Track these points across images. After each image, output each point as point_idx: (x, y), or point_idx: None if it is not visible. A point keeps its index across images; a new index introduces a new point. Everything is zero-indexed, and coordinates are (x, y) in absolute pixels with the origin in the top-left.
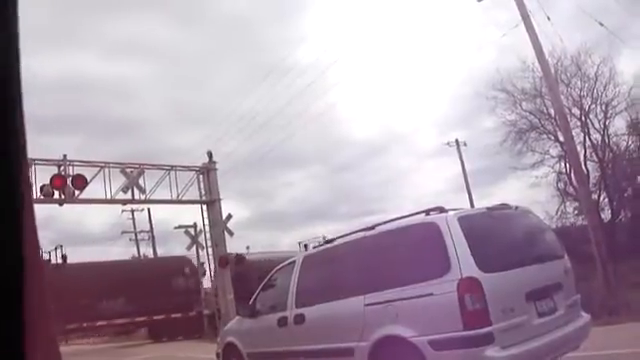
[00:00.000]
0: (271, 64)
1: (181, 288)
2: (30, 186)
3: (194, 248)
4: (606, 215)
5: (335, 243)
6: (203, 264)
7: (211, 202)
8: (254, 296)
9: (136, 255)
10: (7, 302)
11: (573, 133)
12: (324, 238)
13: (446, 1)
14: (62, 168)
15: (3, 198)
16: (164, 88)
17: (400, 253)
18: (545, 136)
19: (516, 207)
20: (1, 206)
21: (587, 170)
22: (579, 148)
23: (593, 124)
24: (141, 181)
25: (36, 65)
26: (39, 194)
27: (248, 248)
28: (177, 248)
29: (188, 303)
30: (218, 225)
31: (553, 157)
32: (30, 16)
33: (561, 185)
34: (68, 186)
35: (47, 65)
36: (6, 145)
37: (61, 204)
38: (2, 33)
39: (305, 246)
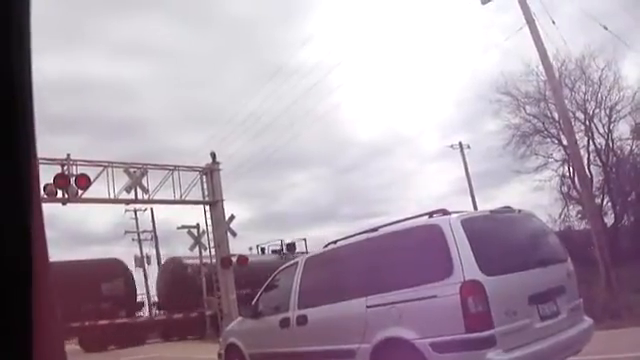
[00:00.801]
0: (276, 65)
1: (110, 294)
2: (39, 186)
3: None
4: (609, 219)
5: (338, 245)
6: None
7: (214, 203)
8: (256, 297)
9: (138, 255)
10: (17, 301)
11: (577, 137)
12: (282, 242)
13: (450, 4)
14: (65, 167)
15: (13, 198)
16: (168, 89)
17: (403, 255)
18: (549, 140)
19: (519, 210)
20: (11, 206)
21: (591, 174)
22: (583, 152)
23: (597, 128)
24: (144, 181)
25: (40, 64)
26: (42, 193)
27: (251, 249)
28: (180, 248)
29: (116, 310)
30: (221, 226)
31: (557, 161)
32: (34, 16)
33: (564, 189)
34: (71, 185)
35: (51, 64)
36: (17, 146)
37: (64, 203)
38: (15, 37)
39: (262, 250)
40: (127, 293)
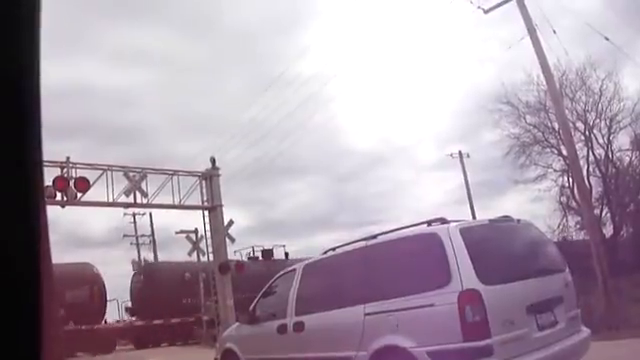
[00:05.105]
0: (274, 75)
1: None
2: (43, 189)
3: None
4: (608, 230)
5: (336, 252)
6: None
7: (213, 208)
8: (254, 302)
9: (136, 259)
10: (23, 302)
11: (577, 147)
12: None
13: (451, 14)
14: (65, 170)
15: (20, 200)
16: (168, 96)
17: (401, 263)
18: (548, 150)
19: (518, 220)
20: (18, 208)
21: (590, 185)
22: (582, 163)
23: (597, 139)
24: (143, 185)
25: (43, 70)
26: None
27: (249, 254)
28: (178, 253)
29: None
30: (219, 231)
31: (556, 171)
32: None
33: (563, 199)
34: (71, 188)
35: (53, 70)
36: (25, 149)
37: (63, 206)
38: (24, 43)
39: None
40: (94, 299)
